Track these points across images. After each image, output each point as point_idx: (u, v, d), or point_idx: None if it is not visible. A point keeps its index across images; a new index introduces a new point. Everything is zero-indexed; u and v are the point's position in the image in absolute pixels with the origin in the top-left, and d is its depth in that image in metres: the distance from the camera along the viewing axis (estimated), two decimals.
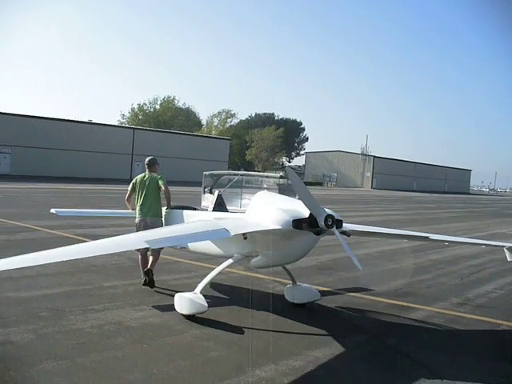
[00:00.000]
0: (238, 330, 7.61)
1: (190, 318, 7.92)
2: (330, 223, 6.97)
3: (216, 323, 7.83)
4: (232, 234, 7.24)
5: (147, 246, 6.78)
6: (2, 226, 16.41)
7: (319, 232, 7.22)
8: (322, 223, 6.98)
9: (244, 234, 7.53)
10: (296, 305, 9.21)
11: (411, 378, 6.23)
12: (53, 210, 10.93)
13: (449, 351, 7.33)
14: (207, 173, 9.93)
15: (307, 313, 8.80)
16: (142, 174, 10.13)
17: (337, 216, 7.24)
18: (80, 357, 6.12)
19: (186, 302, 7.97)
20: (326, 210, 7.21)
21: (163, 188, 9.77)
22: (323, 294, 10.32)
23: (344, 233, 7.93)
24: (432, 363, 6.72)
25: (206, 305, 7.82)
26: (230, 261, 8.32)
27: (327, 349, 7.04)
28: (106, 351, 6.37)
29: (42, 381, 5.43)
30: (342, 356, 6.82)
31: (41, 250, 9.54)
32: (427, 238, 9.30)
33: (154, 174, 10.04)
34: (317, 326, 8.05)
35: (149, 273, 9.57)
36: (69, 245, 12.24)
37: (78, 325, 7.27)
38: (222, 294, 9.74)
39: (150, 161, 10.25)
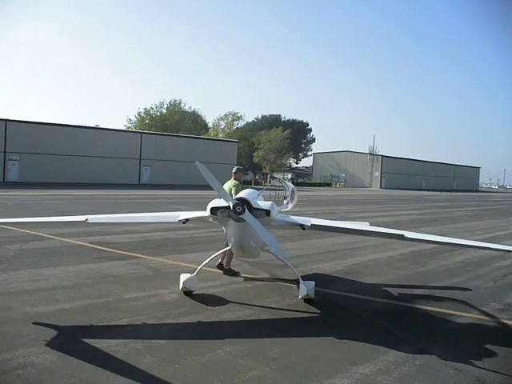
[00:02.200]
0: (273, 344, 7.06)
1: (186, 294, 9.39)
2: (239, 210, 7.74)
3: (247, 339, 7.29)
4: (177, 219, 9.17)
5: (88, 221, 9.09)
6: (13, 234, 15.87)
7: (236, 219, 8.03)
8: (232, 210, 7.82)
9: (185, 219, 9.18)
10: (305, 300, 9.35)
11: None
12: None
13: (506, 367, 6.73)
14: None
15: (342, 323, 8.22)
16: (228, 181, 11.14)
17: (257, 205, 8.17)
18: (108, 381, 5.57)
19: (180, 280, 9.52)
20: (261, 203, 8.36)
21: (233, 194, 10.33)
22: (354, 301, 9.81)
23: (301, 226, 8.93)
24: (493, 383, 6.14)
25: (181, 285, 9.38)
26: (225, 249, 9.89)
27: (372, 364, 6.48)
28: (136, 373, 5.80)
29: None
30: (390, 372, 6.24)
31: (55, 260, 11.77)
32: (402, 236, 8.73)
33: (234, 181, 11.01)
34: (355, 339, 7.48)
35: (220, 266, 11.35)
36: (82, 254, 12.06)
37: (102, 343, 6.70)
38: (249, 305, 9.15)
39: (234, 169, 11.40)
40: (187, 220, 9.21)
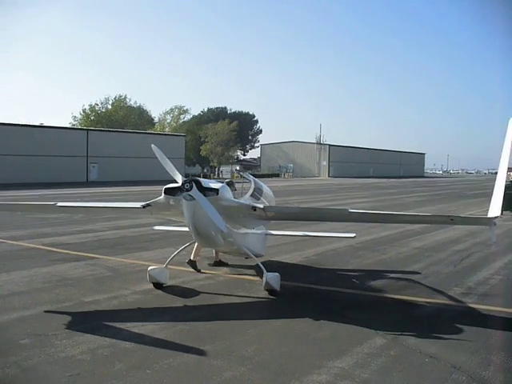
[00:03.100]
0: (245, 342, 6.86)
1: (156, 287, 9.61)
2: (187, 187, 8.05)
3: (219, 337, 7.06)
4: (140, 205, 9.22)
5: (57, 204, 9.74)
6: None
7: (187, 198, 8.12)
8: (182, 187, 8.13)
9: (146, 204, 9.09)
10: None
11: None
12: None
13: (479, 351, 6.70)
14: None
15: (312, 317, 8.05)
16: None
17: (208, 185, 8.47)
18: None
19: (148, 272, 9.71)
20: (212, 184, 8.69)
21: None
22: (320, 293, 9.69)
23: (253, 208, 8.97)
24: (469, 367, 6.08)
25: (148, 277, 9.59)
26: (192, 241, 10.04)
27: (348, 358, 6.36)
28: (106, 382, 5.51)
29: None
30: (367, 365, 6.12)
31: (7, 265, 11.54)
32: (347, 210, 8.79)
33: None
34: (327, 332, 7.37)
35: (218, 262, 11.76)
36: (36, 257, 11.59)
37: (67, 351, 6.37)
38: (216, 302, 8.96)
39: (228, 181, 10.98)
40: (148, 205, 9.12)
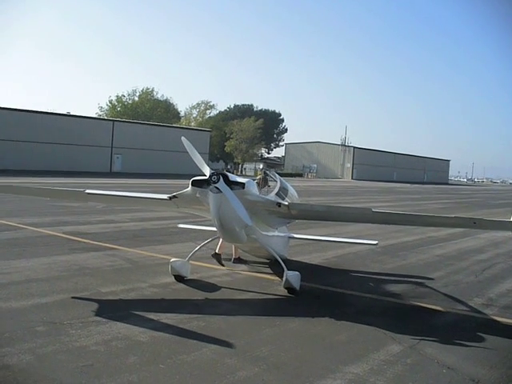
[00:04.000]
0: (260, 342, 6.79)
1: (177, 279, 9.68)
2: (214, 179, 8.17)
3: (234, 335, 6.99)
4: (166, 196, 9.38)
5: (87, 192, 9.94)
6: None
7: (213, 191, 8.25)
8: (209, 179, 8.25)
9: (172, 195, 9.27)
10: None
11: None
12: None
13: (499, 365, 6.54)
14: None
15: (329, 320, 7.97)
16: None
17: (235, 179, 8.53)
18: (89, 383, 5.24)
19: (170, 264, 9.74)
20: (239, 178, 8.73)
21: None
22: (338, 296, 9.59)
23: (278, 204, 8.99)
24: (488, 382, 5.94)
25: (170, 269, 9.64)
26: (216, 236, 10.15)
27: (364, 364, 6.25)
28: (119, 375, 5.47)
29: None
30: (382, 372, 6.01)
31: (27, 251, 11.70)
32: (370, 210, 8.58)
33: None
34: (344, 336, 7.27)
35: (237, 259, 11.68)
36: (56, 245, 11.61)
37: (81, 341, 6.36)
38: (233, 299, 8.92)
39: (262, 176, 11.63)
40: (174, 197, 9.27)
